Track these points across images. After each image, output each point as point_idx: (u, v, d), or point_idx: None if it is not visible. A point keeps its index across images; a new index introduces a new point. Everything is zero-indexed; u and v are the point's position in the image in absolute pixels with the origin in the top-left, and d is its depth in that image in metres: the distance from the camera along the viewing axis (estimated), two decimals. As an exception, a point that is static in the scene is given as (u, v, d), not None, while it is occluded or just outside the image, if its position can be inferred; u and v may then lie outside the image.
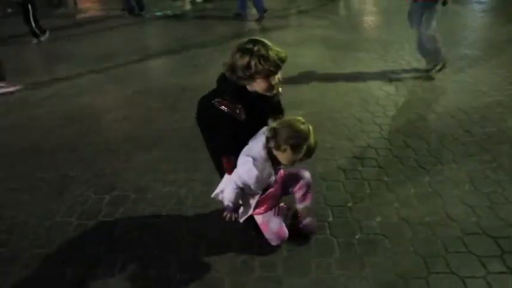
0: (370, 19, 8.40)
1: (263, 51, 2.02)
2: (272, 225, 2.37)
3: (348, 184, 3.02)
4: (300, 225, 2.53)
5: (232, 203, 2.19)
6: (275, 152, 2.07)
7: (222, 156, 2.26)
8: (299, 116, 2.13)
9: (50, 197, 3.03)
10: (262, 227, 2.40)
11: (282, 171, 2.39)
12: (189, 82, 5.12)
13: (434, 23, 4.64)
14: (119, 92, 4.99)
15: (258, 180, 2.10)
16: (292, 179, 2.44)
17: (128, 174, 3.26)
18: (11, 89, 5.06)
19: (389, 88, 4.69)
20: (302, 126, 2.04)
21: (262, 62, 2.02)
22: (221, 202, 2.32)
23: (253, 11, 8.49)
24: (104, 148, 3.69)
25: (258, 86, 2.13)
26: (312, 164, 2.94)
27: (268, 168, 2.12)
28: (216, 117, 2.17)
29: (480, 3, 8.87)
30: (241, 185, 2.13)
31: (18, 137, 3.99)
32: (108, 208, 2.88)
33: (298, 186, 2.43)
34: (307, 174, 2.44)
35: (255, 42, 2.07)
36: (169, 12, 9.60)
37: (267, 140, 2.07)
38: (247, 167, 2.07)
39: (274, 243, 2.42)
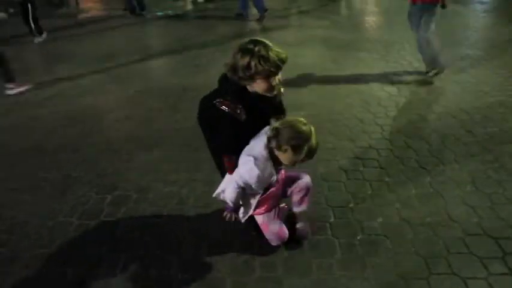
0: (371, 19, 8.39)
1: (263, 52, 2.02)
2: (272, 226, 2.37)
3: (350, 185, 3.02)
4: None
5: (233, 202, 2.19)
6: (276, 152, 2.07)
7: (223, 155, 2.26)
8: (300, 116, 2.13)
9: (52, 197, 3.03)
10: (262, 227, 2.40)
11: (283, 172, 2.39)
12: (191, 82, 5.12)
13: (433, 26, 4.63)
14: (121, 92, 4.99)
15: (259, 179, 2.10)
16: (292, 182, 2.44)
17: (130, 174, 3.27)
18: (22, 89, 5.06)
19: (391, 89, 4.68)
20: (304, 127, 2.03)
21: (262, 62, 2.02)
22: (222, 202, 2.32)
23: (254, 11, 8.49)
24: (106, 148, 3.70)
25: (258, 86, 2.13)
26: (313, 165, 2.94)
27: (270, 167, 2.12)
28: (217, 117, 2.17)
29: (482, 3, 8.85)
30: (242, 185, 2.13)
31: (18, 137, 3.99)
32: (110, 208, 2.88)
33: (296, 189, 2.42)
34: (307, 178, 2.43)
35: (256, 42, 2.07)
36: (170, 12, 9.60)
37: (269, 139, 2.07)
38: (248, 166, 2.07)
39: (274, 243, 2.42)
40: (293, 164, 2.11)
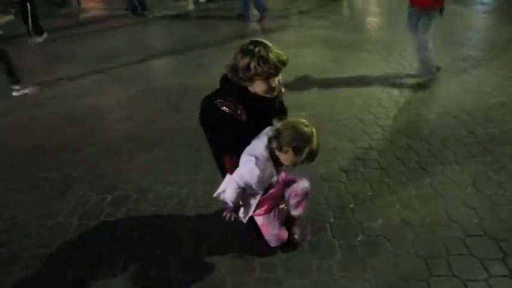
0: (372, 19, 8.37)
1: (263, 53, 2.02)
2: (272, 227, 2.37)
3: (350, 185, 3.02)
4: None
5: (233, 203, 2.19)
6: (277, 153, 2.07)
7: (224, 155, 2.26)
8: (301, 117, 2.13)
9: (52, 197, 3.04)
10: (262, 229, 2.40)
11: (283, 174, 2.38)
12: (192, 82, 5.12)
13: (431, 29, 4.61)
14: (122, 92, 4.99)
15: (260, 180, 2.10)
16: (289, 185, 2.41)
17: (130, 174, 3.27)
18: (27, 90, 5.05)
19: (392, 89, 4.67)
20: (305, 129, 2.03)
21: (261, 63, 2.02)
22: (223, 202, 2.32)
23: (255, 12, 8.48)
24: (106, 148, 3.70)
25: (257, 87, 2.13)
26: (313, 165, 2.92)
27: (270, 168, 2.12)
28: (218, 118, 2.17)
29: (483, 4, 8.83)
30: (242, 185, 2.13)
31: (18, 137, 4.00)
32: (110, 208, 2.88)
33: (293, 193, 2.39)
34: (304, 183, 2.39)
35: (256, 43, 2.07)
36: (172, 12, 9.60)
37: (270, 140, 2.06)
38: (249, 166, 2.07)
39: (273, 244, 2.42)
40: (294, 165, 2.11)
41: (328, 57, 5.98)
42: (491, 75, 4.99)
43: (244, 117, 2.15)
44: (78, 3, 10.78)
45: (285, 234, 2.42)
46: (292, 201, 2.41)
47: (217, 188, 2.40)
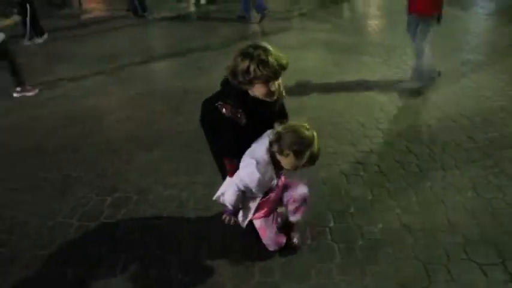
0: (373, 23, 8.38)
1: (263, 56, 2.02)
2: (270, 231, 2.37)
3: (350, 189, 3.02)
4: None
5: (232, 205, 2.19)
6: (278, 156, 2.07)
7: (224, 158, 2.27)
8: (302, 120, 2.13)
9: (52, 197, 3.04)
10: (260, 232, 2.39)
11: (283, 178, 2.38)
12: (193, 84, 5.12)
13: (429, 36, 4.61)
14: (122, 94, 4.99)
15: (260, 183, 2.10)
16: (287, 191, 2.40)
17: (130, 175, 3.27)
18: (31, 93, 5.05)
19: (393, 93, 4.67)
20: (306, 133, 2.03)
21: (261, 67, 2.01)
22: (223, 205, 2.32)
23: (256, 14, 8.49)
24: (106, 148, 3.71)
25: (257, 91, 2.13)
26: (314, 169, 2.92)
27: (270, 171, 2.12)
28: (218, 120, 2.18)
29: (482, 7, 8.85)
30: (242, 188, 2.13)
31: (18, 137, 4.00)
32: (110, 209, 2.88)
33: (291, 199, 2.37)
34: (304, 189, 2.37)
35: (256, 47, 2.07)
36: (173, 13, 9.61)
37: (271, 143, 2.07)
38: (249, 169, 2.07)
39: (271, 248, 2.42)
40: (294, 168, 2.11)
41: (330, 60, 5.98)
42: (491, 79, 5.00)
43: (243, 121, 2.15)
44: (80, 4, 10.79)
45: (283, 238, 2.42)
46: (291, 207, 2.40)
47: (217, 190, 2.40)
